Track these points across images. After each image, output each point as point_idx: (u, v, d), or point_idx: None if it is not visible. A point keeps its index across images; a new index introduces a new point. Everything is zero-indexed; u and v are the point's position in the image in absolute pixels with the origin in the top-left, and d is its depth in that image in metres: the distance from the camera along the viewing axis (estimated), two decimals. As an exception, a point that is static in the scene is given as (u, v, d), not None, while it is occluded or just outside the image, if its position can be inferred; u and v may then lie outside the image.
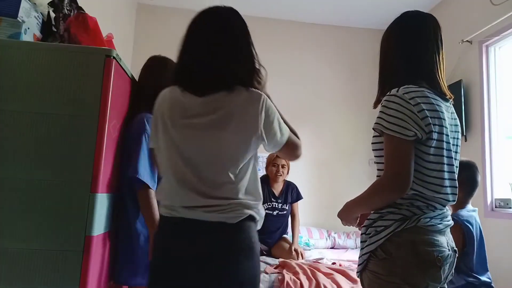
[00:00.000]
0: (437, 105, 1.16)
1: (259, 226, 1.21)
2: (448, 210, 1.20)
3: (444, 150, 1.14)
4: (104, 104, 1.37)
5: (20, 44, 1.44)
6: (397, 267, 1.07)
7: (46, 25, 1.66)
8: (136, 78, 1.76)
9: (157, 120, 1.18)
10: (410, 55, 1.38)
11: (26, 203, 1.30)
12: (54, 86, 1.37)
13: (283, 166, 3.07)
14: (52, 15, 1.68)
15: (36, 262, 1.28)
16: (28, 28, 1.54)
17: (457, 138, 1.23)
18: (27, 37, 1.53)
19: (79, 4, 1.84)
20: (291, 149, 1.25)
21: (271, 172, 3.07)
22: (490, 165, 3.00)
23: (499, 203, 2.90)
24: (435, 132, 1.12)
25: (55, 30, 1.67)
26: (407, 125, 1.11)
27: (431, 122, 1.12)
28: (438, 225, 1.11)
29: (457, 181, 1.19)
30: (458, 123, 1.26)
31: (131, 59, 3.84)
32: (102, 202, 1.38)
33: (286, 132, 1.22)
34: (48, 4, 1.68)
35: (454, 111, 1.27)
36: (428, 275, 1.06)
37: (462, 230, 1.74)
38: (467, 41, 3.24)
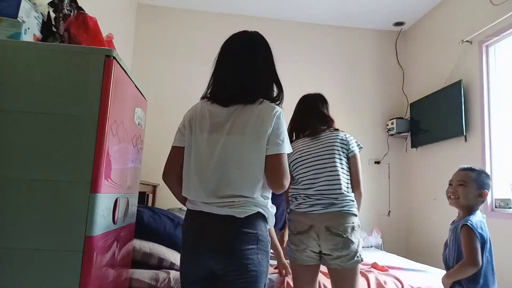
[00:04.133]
0: (298, 142, 2.02)
1: (270, 223, 1.38)
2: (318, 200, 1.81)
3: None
4: (104, 104, 1.37)
5: (20, 44, 1.44)
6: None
7: (46, 25, 1.66)
8: (136, 78, 1.76)
9: (186, 124, 1.41)
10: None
11: (26, 203, 1.30)
12: (54, 86, 1.37)
13: None
14: (52, 15, 1.68)
15: (36, 262, 1.28)
16: (28, 28, 1.54)
17: (325, 147, 1.94)
18: (27, 37, 1.53)
19: (79, 4, 1.84)
20: (279, 168, 1.31)
21: None
22: (490, 165, 3.00)
23: (499, 203, 2.90)
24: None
25: (55, 30, 1.67)
26: None
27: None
28: (303, 209, 1.82)
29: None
30: (333, 142, 1.94)
31: (131, 59, 3.84)
32: (102, 202, 1.38)
33: (286, 148, 1.34)
34: (48, 4, 1.68)
35: (332, 135, 1.97)
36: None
37: (476, 237, 1.72)
38: (467, 41, 3.25)
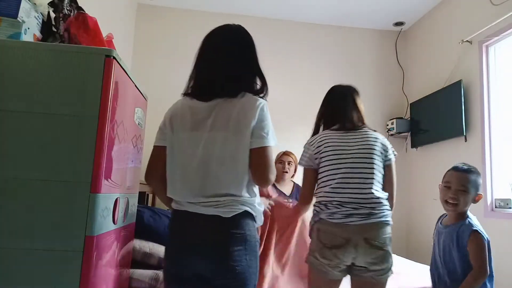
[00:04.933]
0: (330, 137, 1.75)
1: (258, 222, 1.33)
2: (360, 209, 1.59)
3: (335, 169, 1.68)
4: (104, 104, 1.37)
5: (20, 44, 1.44)
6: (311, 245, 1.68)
7: (46, 25, 1.66)
8: (137, 78, 1.76)
9: (167, 122, 1.36)
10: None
11: (26, 203, 1.30)
12: (54, 86, 1.37)
13: (289, 163, 3.03)
14: (52, 15, 1.68)
15: (36, 262, 1.28)
16: (28, 28, 1.54)
17: (369, 151, 1.69)
18: (27, 37, 1.53)
19: (79, 4, 1.84)
20: (264, 162, 1.26)
21: (277, 170, 3.05)
22: (490, 165, 3.00)
23: (499, 203, 2.90)
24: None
25: (55, 30, 1.67)
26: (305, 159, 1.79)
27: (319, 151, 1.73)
28: (338, 219, 1.58)
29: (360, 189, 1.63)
30: (371, 142, 1.73)
31: (131, 59, 3.84)
32: (102, 202, 1.38)
33: (271, 140, 1.28)
34: (48, 4, 1.68)
35: (369, 134, 1.77)
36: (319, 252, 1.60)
37: (484, 245, 1.63)
38: (467, 41, 3.25)
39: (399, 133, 4.03)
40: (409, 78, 4.28)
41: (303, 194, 1.82)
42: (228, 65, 1.32)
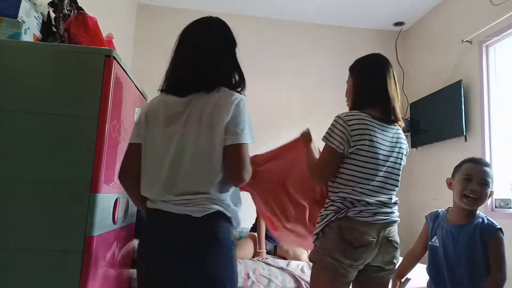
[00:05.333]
0: (372, 126, 1.53)
1: (235, 224, 1.24)
2: (391, 208, 1.57)
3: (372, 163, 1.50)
4: (104, 104, 1.37)
5: (20, 44, 1.44)
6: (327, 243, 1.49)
7: (46, 25, 1.66)
8: (137, 78, 1.76)
9: (142, 118, 1.30)
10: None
11: (26, 203, 1.30)
12: (54, 86, 1.37)
13: None
14: (52, 15, 1.68)
15: (36, 262, 1.28)
16: (28, 28, 1.54)
17: (399, 154, 1.60)
18: (27, 37, 1.53)
19: (79, 4, 1.84)
20: (238, 160, 1.20)
21: None
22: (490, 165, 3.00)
23: (499, 203, 2.90)
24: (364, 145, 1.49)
25: (55, 30, 1.67)
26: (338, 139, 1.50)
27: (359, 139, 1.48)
28: (366, 218, 1.47)
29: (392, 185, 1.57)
30: (402, 143, 1.63)
31: (131, 59, 3.84)
32: (102, 202, 1.38)
33: (247, 137, 1.22)
34: (48, 4, 1.68)
35: (400, 133, 1.65)
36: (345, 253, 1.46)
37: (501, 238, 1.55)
38: (467, 41, 3.24)
39: (399, 133, 4.03)
40: (409, 78, 4.28)
41: (320, 172, 1.56)
42: (203, 59, 1.27)
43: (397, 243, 1.58)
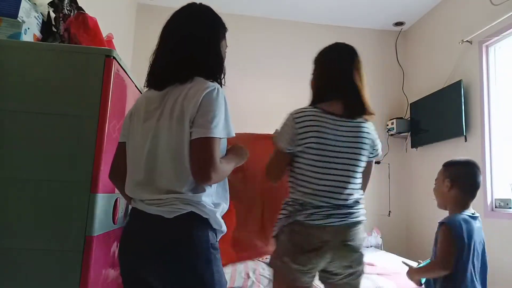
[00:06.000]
0: (322, 122, 1.44)
1: (215, 226, 1.14)
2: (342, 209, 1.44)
3: (322, 161, 1.43)
4: (104, 104, 1.37)
5: (20, 44, 1.44)
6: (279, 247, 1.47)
7: (46, 25, 1.66)
8: (137, 78, 1.76)
9: (127, 116, 1.28)
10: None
11: (26, 203, 1.30)
12: (54, 86, 1.37)
13: None
14: (52, 15, 1.68)
15: (36, 262, 1.28)
16: (28, 28, 1.54)
17: (359, 149, 1.49)
18: (27, 37, 1.53)
19: (79, 4, 1.84)
20: (203, 156, 1.07)
21: None
22: (490, 165, 3.00)
23: (499, 203, 2.90)
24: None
25: (55, 30, 1.67)
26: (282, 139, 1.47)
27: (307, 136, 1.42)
28: (318, 221, 1.40)
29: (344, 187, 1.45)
30: (364, 137, 1.52)
31: (131, 59, 3.84)
32: (102, 202, 1.38)
33: (217, 131, 1.09)
34: (48, 4, 1.68)
35: (364, 126, 1.55)
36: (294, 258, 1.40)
37: (452, 237, 1.55)
38: (467, 41, 3.24)
39: (399, 133, 4.03)
40: (409, 78, 4.28)
41: (268, 172, 1.55)
42: (180, 48, 1.19)
43: (356, 248, 1.44)
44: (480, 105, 3.10)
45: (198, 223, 1.10)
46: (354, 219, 1.44)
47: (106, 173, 1.39)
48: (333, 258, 1.41)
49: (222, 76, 1.23)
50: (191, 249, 1.07)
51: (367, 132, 1.54)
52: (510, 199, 2.82)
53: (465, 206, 1.67)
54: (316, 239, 1.39)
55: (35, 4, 1.61)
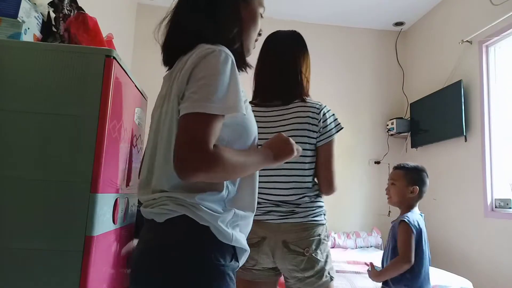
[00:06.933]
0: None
1: (220, 237, 0.85)
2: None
3: None
4: (104, 104, 1.37)
5: (20, 44, 1.44)
6: None
7: (46, 25, 1.66)
8: (137, 78, 1.76)
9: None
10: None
11: (26, 203, 1.30)
12: (54, 86, 1.37)
13: None
14: (52, 15, 1.68)
15: (35, 262, 1.28)
16: (28, 28, 1.54)
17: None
18: (27, 37, 1.53)
19: (79, 4, 1.84)
20: (182, 136, 0.79)
21: None
22: (490, 165, 3.00)
23: (499, 203, 2.90)
24: None
25: (55, 30, 1.67)
26: None
27: None
28: (256, 216, 1.26)
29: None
30: (298, 122, 1.39)
31: (131, 59, 3.84)
32: (102, 202, 1.38)
33: (206, 104, 0.79)
34: (48, 4, 1.68)
35: (293, 110, 1.42)
36: None
37: (412, 234, 1.76)
38: (467, 41, 3.25)
39: (399, 133, 4.04)
40: (409, 78, 4.28)
41: None
42: (179, 11, 1.02)
43: (301, 248, 1.34)
44: (480, 105, 3.10)
45: (194, 230, 0.84)
46: (299, 219, 1.36)
47: (106, 173, 1.39)
48: (274, 258, 1.37)
49: (238, 44, 0.96)
50: (188, 266, 0.81)
51: (305, 112, 1.40)
52: (510, 199, 2.82)
53: (414, 207, 1.91)
54: (254, 234, 1.30)
55: (35, 4, 1.61)
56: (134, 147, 1.81)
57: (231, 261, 0.87)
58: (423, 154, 3.93)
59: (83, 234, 1.30)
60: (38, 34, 1.61)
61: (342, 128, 1.47)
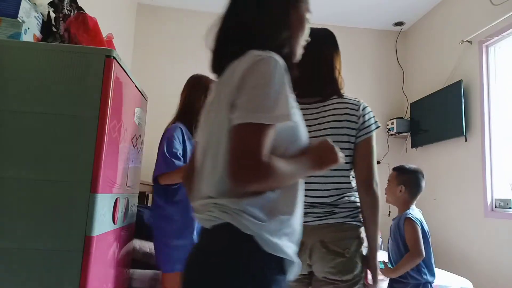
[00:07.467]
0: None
1: (267, 248, 0.81)
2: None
3: None
4: (104, 104, 1.37)
5: (20, 44, 1.44)
6: None
7: (46, 25, 1.66)
8: (137, 78, 1.76)
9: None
10: None
11: (26, 203, 1.30)
12: (54, 86, 1.37)
13: None
14: (52, 15, 1.68)
15: (36, 262, 1.28)
16: (28, 28, 1.54)
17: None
18: (27, 37, 1.53)
19: (79, 4, 1.84)
20: (232, 149, 0.79)
21: None
22: (490, 165, 3.00)
23: (499, 203, 2.90)
24: None
25: (55, 30, 1.67)
26: None
27: None
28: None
29: None
30: (331, 120, 1.35)
31: (131, 59, 3.84)
32: (102, 202, 1.38)
33: (256, 115, 0.78)
34: (48, 4, 1.68)
35: (329, 108, 1.38)
36: None
37: (416, 229, 1.87)
38: (467, 41, 3.24)
39: (399, 133, 4.03)
40: (409, 78, 4.28)
41: None
42: (229, 16, 0.97)
43: (341, 249, 1.26)
44: (480, 105, 3.10)
45: (235, 239, 0.81)
46: (337, 219, 1.29)
47: (106, 173, 1.39)
48: (312, 261, 1.27)
49: (288, 49, 0.94)
50: (232, 275, 0.79)
51: (343, 105, 1.35)
52: (510, 199, 2.82)
53: (411, 205, 2.01)
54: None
55: (35, 4, 1.61)
56: (134, 147, 1.81)
57: (276, 273, 0.83)
58: (423, 154, 3.93)
59: (83, 234, 1.30)
60: (38, 34, 1.61)
61: (379, 126, 1.43)
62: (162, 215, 1.86)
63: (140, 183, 1.98)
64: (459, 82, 3.25)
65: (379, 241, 4.17)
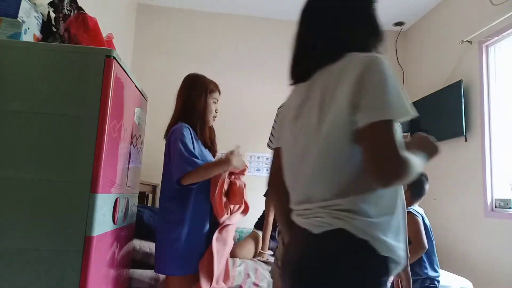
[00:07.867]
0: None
1: (378, 247, 0.81)
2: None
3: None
4: (104, 104, 1.37)
5: (20, 44, 1.44)
6: None
7: (46, 25, 1.66)
8: (137, 78, 1.76)
9: (275, 119, 1.20)
10: None
11: (26, 203, 1.30)
12: (54, 86, 1.37)
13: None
14: (52, 15, 1.68)
15: (35, 262, 1.28)
16: (28, 28, 1.54)
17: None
18: (27, 37, 1.53)
19: (79, 4, 1.84)
20: (382, 143, 0.81)
21: None
22: (490, 165, 3.00)
23: (499, 203, 2.90)
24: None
25: (55, 30, 1.67)
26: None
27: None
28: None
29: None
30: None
31: (131, 59, 3.84)
32: (102, 202, 1.38)
33: (390, 112, 0.82)
34: (48, 4, 1.68)
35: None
36: None
37: (418, 221, 1.93)
38: (467, 41, 3.24)
39: (399, 133, 4.04)
40: (409, 78, 4.28)
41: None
42: (319, 22, 0.98)
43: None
44: (480, 105, 3.10)
45: (349, 245, 0.82)
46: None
47: (106, 173, 1.39)
48: None
49: (374, 50, 0.98)
50: (329, 278, 0.81)
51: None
52: (510, 199, 2.82)
53: (414, 203, 2.05)
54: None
55: (35, 4, 1.61)
56: (134, 147, 1.81)
57: (384, 275, 0.84)
58: (423, 154, 3.92)
59: (83, 234, 1.30)
60: (38, 34, 1.61)
61: None
62: (170, 219, 1.75)
63: (140, 183, 1.98)
64: (459, 82, 3.25)
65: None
